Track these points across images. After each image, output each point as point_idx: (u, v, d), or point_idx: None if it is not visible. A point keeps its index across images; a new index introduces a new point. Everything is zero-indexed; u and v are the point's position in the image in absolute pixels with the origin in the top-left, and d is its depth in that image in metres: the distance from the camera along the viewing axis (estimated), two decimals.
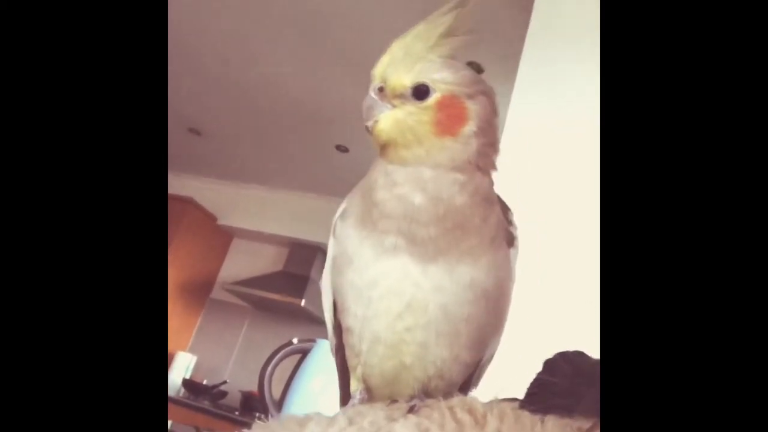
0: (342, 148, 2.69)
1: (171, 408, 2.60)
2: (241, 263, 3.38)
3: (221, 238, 3.41)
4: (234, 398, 2.84)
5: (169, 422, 2.45)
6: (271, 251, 3.35)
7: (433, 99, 0.35)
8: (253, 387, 2.73)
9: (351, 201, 0.38)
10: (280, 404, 1.38)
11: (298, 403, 1.36)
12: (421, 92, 0.35)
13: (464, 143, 0.35)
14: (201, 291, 3.31)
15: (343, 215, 0.38)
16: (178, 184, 3.38)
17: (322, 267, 0.40)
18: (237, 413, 2.62)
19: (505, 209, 0.39)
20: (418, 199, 0.34)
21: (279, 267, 3.22)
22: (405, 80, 0.35)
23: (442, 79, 0.35)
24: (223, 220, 3.33)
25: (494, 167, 0.37)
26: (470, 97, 0.35)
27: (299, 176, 3.10)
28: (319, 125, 2.54)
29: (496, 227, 0.37)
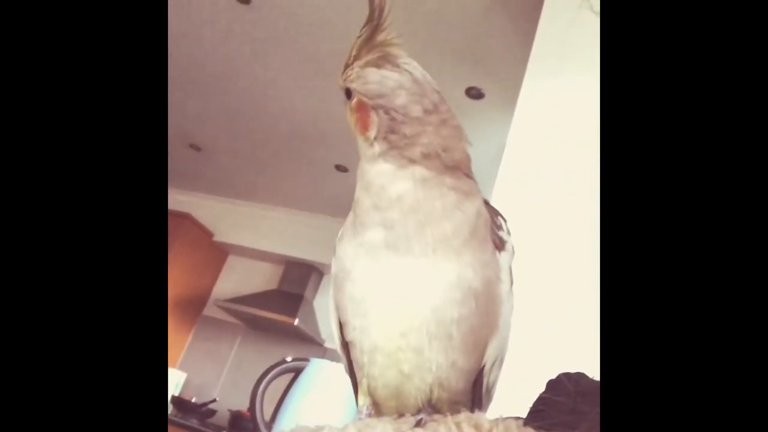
0: (342, 168, 2.70)
1: None
2: (236, 280, 3.36)
3: (216, 254, 3.39)
4: (222, 417, 2.80)
5: None
6: (267, 269, 3.34)
7: (353, 102, 0.40)
8: (242, 406, 2.70)
9: (347, 220, 0.41)
10: (270, 424, 1.36)
11: (290, 423, 1.34)
12: (349, 94, 0.40)
13: (370, 145, 0.38)
14: (194, 307, 3.28)
15: (340, 236, 0.41)
16: (175, 200, 3.37)
17: (316, 287, 0.41)
18: None
19: (493, 213, 0.41)
20: (372, 188, 0.37)
21: (273, 285, 3.20)
22: (339, 83, 0.41)
23: (354, 88, 0.39)
24: (219, 237, 3.32)
25: (432, 162, 0.37)
26: (373, 108, 0.39)
27: (298, 195, 3.11)
28: (319, 144, 2.56)
29: (474, 218, 0.38)
